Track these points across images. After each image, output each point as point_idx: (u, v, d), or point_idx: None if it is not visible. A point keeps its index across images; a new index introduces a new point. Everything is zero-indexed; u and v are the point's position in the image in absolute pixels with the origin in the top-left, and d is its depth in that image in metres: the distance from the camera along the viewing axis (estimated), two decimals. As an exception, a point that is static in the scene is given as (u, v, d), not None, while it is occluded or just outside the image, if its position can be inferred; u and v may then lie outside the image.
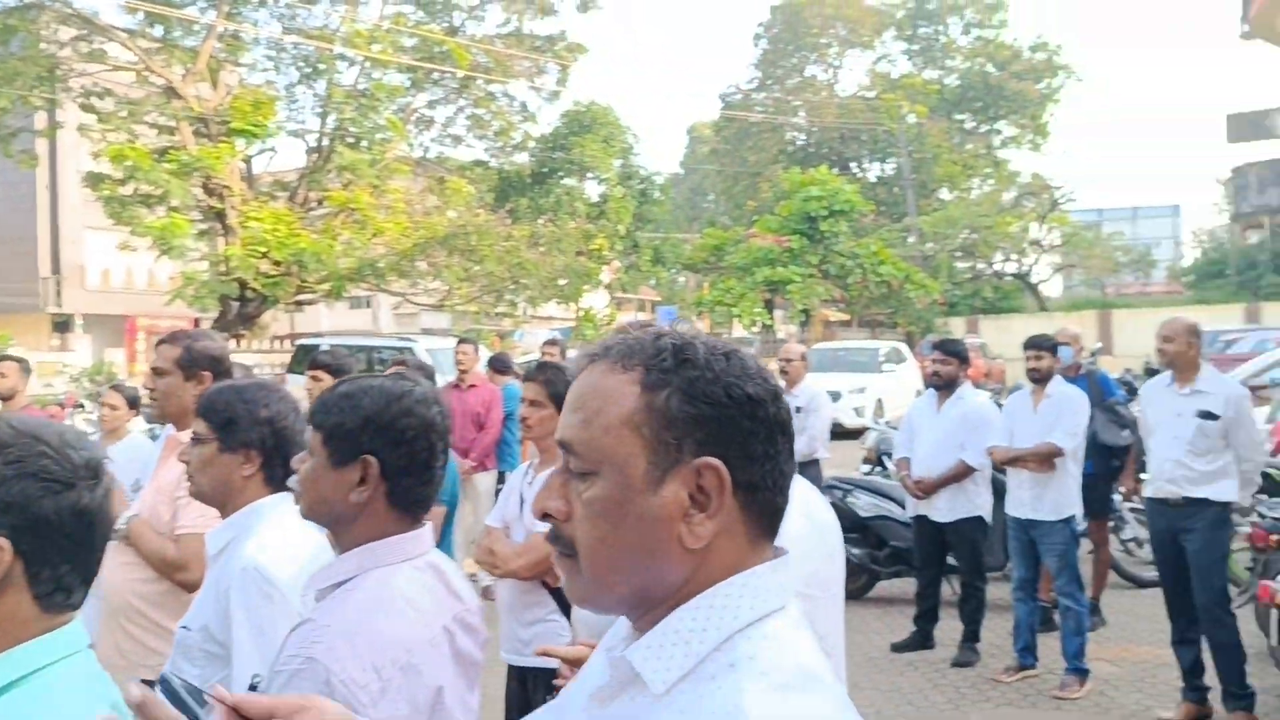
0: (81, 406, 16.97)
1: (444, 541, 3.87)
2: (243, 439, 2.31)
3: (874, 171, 49.42)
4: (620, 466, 1.04)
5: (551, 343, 9.26)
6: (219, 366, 3.33)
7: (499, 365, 8.85)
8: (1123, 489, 7.48)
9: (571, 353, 11.96)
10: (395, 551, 1.77)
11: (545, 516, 1.10)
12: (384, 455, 1.77)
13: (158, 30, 22.71)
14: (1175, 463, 5.36)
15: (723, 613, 1.04)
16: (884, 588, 7.96)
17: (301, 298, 23.32)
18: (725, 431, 1.04)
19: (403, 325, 35.71)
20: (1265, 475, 6.39)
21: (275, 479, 2.31)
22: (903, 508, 7.17)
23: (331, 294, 22.55)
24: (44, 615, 1.37)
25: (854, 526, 7.91)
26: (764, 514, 1.08)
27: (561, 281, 26.32)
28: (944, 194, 46.44)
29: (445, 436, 1.87)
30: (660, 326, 1.13)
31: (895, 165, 46.42)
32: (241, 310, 22.17)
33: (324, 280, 21.87)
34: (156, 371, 3.33)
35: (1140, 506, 7.61)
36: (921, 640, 6.71)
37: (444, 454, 1.87)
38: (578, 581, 1.09)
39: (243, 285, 21.15)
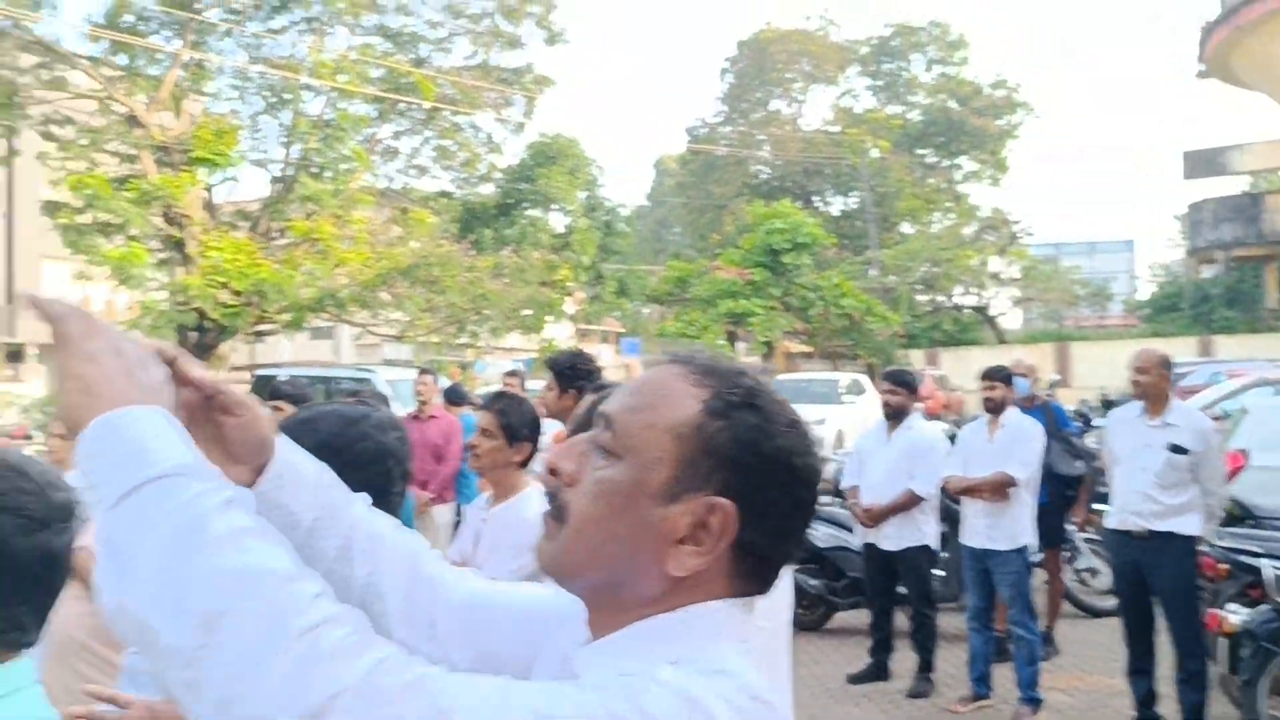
0: (29, 438, 16.73)
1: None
2: None
3: (837, 205, 49.89)
4: (645, 465, 1.03)
5: (512, 373, 9.26)
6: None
7: (453, 396, 8.84)
8: (1076, 519, 7.57)
9: (532, 384, 11.95)
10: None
11: (553, 473, 1.09)
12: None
13: (121, 59, 22.59)
14: (1142, 495, 5.38)
15: (674, 636, 1.02)
16: (842, 619, 7.98)
17: (261, 328, 23.13)
18: (754, 487, 1.03)
19: (364, 356, 35.50)
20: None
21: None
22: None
23: (292, 325, 22.39)
24: None
25: (812, 557, 7.94)
26: (751, 578, 1.06)
27: (525, 312, 26.32)
28: (905, 228, 46.92)
29: (404, 463, 1.84)
30: (745, 366, 1.12)
31: (858, 199, 46.91)
32: (200, 340, 21.96)
33: (284, 311, 21.72)
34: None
35: (1095, 537, 7.70)
36: (877, 671, 6.73)
37: (402, 480, 1.84)
38: (553, 546, 1.07)
39: (201, 315, 20.97)
